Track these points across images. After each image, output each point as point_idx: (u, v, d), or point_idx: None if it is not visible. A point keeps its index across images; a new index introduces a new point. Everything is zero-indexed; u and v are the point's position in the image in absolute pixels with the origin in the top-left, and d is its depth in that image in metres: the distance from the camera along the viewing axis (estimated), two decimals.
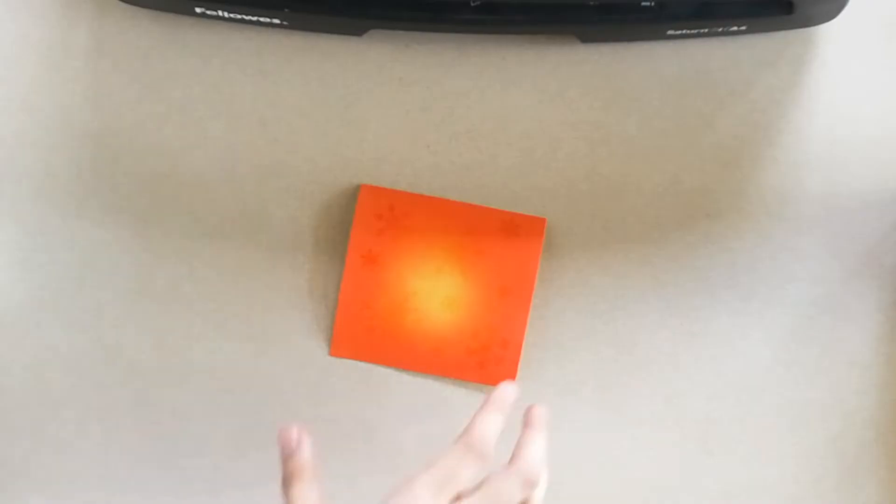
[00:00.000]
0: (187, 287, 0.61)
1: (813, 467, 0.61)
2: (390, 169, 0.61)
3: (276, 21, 0.59)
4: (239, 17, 0.58)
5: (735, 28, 0.59)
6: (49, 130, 0.61)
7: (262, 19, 0.58)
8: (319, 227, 0.61)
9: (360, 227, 0.61)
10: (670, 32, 0.59)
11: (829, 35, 0.61)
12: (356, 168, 0.61)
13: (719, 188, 0.61)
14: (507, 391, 0.51)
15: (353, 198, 0.61)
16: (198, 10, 0.58)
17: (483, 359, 0.61)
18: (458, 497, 0.47)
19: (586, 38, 0.60)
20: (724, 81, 0.61)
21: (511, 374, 0.61)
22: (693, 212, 0.61)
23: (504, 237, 0.61)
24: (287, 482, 0.49)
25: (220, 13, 0.58)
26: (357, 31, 0.60)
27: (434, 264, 0.61)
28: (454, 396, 0.62)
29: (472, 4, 0.56)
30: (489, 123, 0.61)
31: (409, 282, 0.61)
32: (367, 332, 0.61)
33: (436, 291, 0.61)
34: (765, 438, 0.61)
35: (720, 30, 0.59)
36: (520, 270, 0.61)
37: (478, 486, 0.47)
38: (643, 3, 0.57)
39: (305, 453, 0.50)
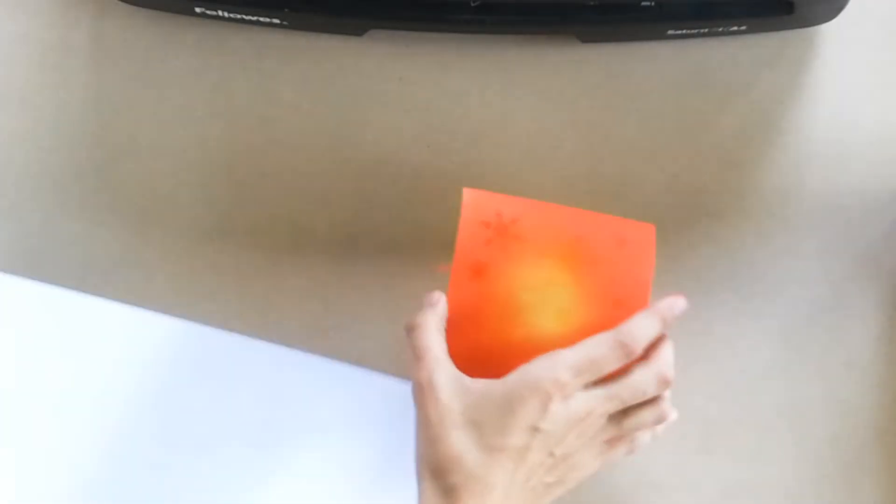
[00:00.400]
0: (188, 287, 0.61)
1: (813, 467, 0.61)
2: (390, 169, 0.61)
3: (276, 21, 0.59)
4: (239, 17, 0.58)
5: (735, 28, 0.59)
6: (49, 130, 0.61)
7: (262, 19, 0.58)
8: (318, 227, 0.61)
9: (466, 237, 0.55)
10: (670, 32, 0.59)
11: (829, 35, 0.61)
12: (356, 168, 0.61)
13: (719, 188, 0.61)
14: (675, 303, 0.52)
15: (354, 198, 0.61)
16: (198, 10, 0.58)
17: None
18: (594, 383, 0.49)
19: (586, 38, 0.60)
20: (724, 81, 0.61)
21: None
22: (693, 212, 0.61)
23: (614, 245, 0.56)
24: (411, 327, 0.51)
25: (220, 13, 0.58)
26: (357, 31, 0.60)
27: (545, 275, 0.56)
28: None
29: (472, 4, 0.56)
30: (489, 123, 0.61)
31: (520, 294, 0.56)
32: (473, 347, 0.56)
33: (548, 304, 0.56)
34: (765, 438, 0.61)
35: (720, 30, 0.59)
36: (634, 281, 0.56)
37: (615, 377, 0.50)
38: (643, 3, 0.57)
39: (440, 308, 0.52)
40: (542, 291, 0.56)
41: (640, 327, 0.50)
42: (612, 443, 0.52)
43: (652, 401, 0.51)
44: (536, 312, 0.56)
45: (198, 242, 0.61)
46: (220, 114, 0.61)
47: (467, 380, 0.50)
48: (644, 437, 0.53)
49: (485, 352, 0.56)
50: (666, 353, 0.51)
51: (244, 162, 0.61)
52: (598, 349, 0.49)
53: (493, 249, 0.56)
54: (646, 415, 0.51)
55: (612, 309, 0.55)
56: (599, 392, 0.49)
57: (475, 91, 0.61)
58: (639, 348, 0.49)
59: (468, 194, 0.56)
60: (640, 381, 0.50)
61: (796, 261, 0.61)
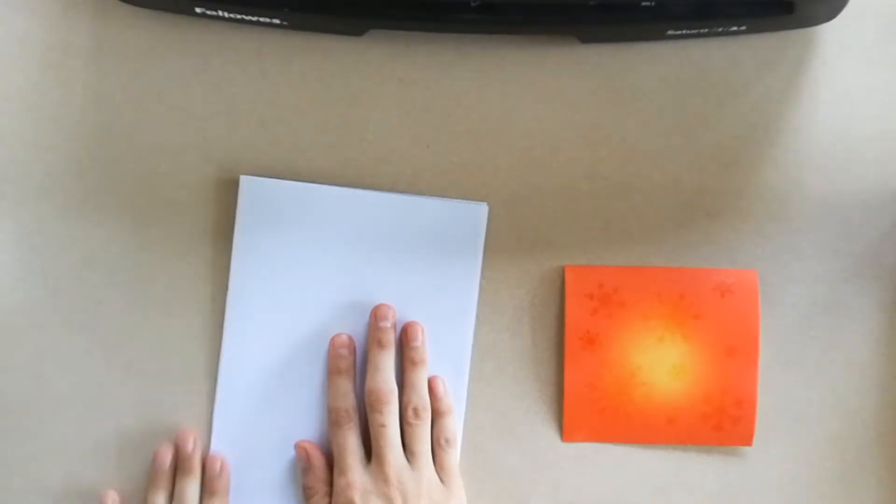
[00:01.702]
0: (188, 287, 0.61)
1: (813, 467, 0.61)
2: (390, 169, 0.61)
3: (276, 21, 0.59)
4: (239, 17, 0.58)
5: (735, 28, 0.59)
6: (49, 130, 0.61)
7: (262, 19, 0.58)
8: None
9: (573, 309, 0.60)
10: (670, 32, 0.59)
11: (829, 35, 0.61)
12: (356, 168, 0.61)
13: (719, 188, 0.61)
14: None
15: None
16: (198, 10, 0.58)
17: (718, 421, 0.60)
18: None
19: (586, 38, 0.60)
20: (724, 81, 0.61)
21: (749, 433, 0.60)
22: (693, 212, 0.61)
23: (719, 295, 0.59)
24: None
25: (220, 13, 0.58)
26: (357, 31, 0.60)
27: (654, 335, 0.60)
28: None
29: (472, 4, 0.56)
30: (489, 123, 0.61)
31: (633, 356, 0.60)
32: (597, 413, 0.60)
33: (661, 362, 0.60)
34: (765, 438, 0.61)
35: (720, 30, 0.59)
36: (742, 327, 0.59)
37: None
38: (643, 3, 0.57)
39: (319, 464, 0.60)
40: (654, 351, 0.59)
41: None
42: None
43: None
44: (651, 372, 0.59)
45: (198, 242, 0.61)
46: (220, 114, 0.61)
47: None
48: None
49: (608, 416, 0.60)
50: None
51: (244, 162, 0.61)
52: None
53: (599, 318, 0.59)
54: None
55: (725, 358, 0.59)
56: None
57: (475, 91, 0.61)
58: None
59: (570, 271, 0.60)
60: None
61: (796, 261, 0.61)
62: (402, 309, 0.60)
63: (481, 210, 0.61)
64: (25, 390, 0.61)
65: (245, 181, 0.60)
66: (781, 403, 0.61)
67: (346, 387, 0.59)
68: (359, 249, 0.60)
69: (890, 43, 0.61)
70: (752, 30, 0.59)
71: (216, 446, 0.61)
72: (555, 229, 0.61)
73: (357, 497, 0.56)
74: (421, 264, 0.60)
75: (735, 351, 0.59)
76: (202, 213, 0.61)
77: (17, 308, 0.61)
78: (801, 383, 0.61)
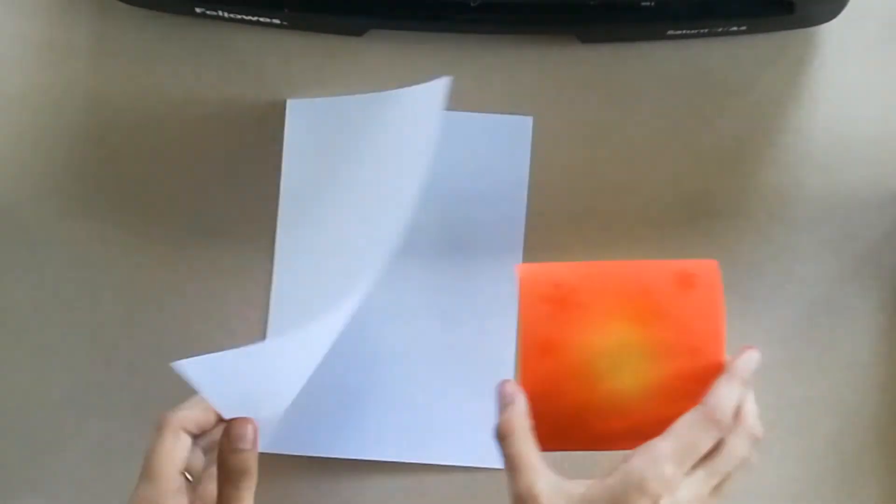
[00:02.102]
0: (188, 287, 0.61)
1: (813, 467, 0.61)
2: None
3: (276, 21, 0.59)
4: (239, 17, 0.58)
5: (735, 28, 0.59)
6: (49, 130, 0.61)
7: (262, 19, 0.58)
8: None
9: (528, 315, 0.54)
10: (670, 32, 0.59)
11: (829, 35, 0.61)
12: None
13: (719, 188, 0.61)
14: (751, 358, 0.51)
15: None
16: (198, 10, 0.58)
17: None
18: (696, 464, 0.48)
19: (586, 38, 0.60)
20: (724, 81, 0.61)
21: None
22: (693, 212, 0.61)
23: (679, 290, 0.54)
24: (503, 435, 0.51)
25: (220, 13, 0.58)
26: (357, 31, 0.60)
27: (615, 337, 0.54)
28: None
29: (472, 4, 0.56)
30: None
31: (594, 362, 0.54)
32: (558, 420, 0.55)
33: (623, 364, 0.55)
34: (765, 438, 0.61)
35: (720, 30, 0.59)
36: (705, 323, 0.54)
37: (713, 451, 0.49)
38: (643, 3, 0.57)
39: (521, 405, 0.52)
40: (616, 354, 0.54)
41: (726, 397, 0.49)
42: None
43: None
44: (613, 375, 0.54)
45: (199, 242, 0.61)
46: (219, 114, 0.61)
47: (567, 484, 0.49)
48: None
49: (568, 421, 0.55)
50: (751, 410, 0.51)
51: (244, 162, 0.61)
52: (692, 432, 0.49)
53: (557, 323, 0.54)
54: (740, 472, 0.50)
55: (689, 357, 0.54)
56: (701, 474, 0.48)
57: (475, 91, 0.61)
58: (729, 419, 0.49)
59: (522, 270, 0.55)
60: (737, 449, 0.49)
61: (796, 261, 0.61)
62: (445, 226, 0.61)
63: (526, 123, 0.61)
64: (25, 390, 0.61)
65: (292, 104, 0.60)
66: (781, 403, 0.61)
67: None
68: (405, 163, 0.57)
69: (890, 43, 0.61)
70: (752, 30, 0.59)
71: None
72: (554, 228, 0.61)
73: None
74: (468, 181, 0.60)
75: (698, 350, 0.54)
76: (203, 213, 0.61)
77: (17, 308, 0.61)
78: (801, 383, 0.61)
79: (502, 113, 0.61)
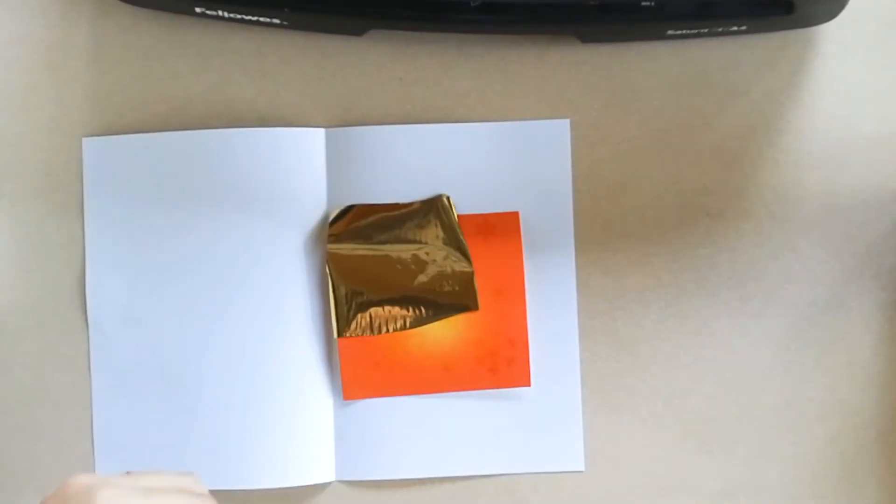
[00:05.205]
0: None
1: (813, 467, 0.61)
2: None
3: (276, 21, 0.59)
4: (239, 17, 0.58)
5: (735, 28, 0.59)
6: (49, 130, 0.61)
7: (262, 19, 0.58)
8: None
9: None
10: (670, 32, 0.59)
11: (829, 35, 0.61)
12: None
13: (719, 188, 0.61)
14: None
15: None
16: (198, 10, 0.58)
17: (494, 363, 0.60)
18: None
19: (586, 38, 0.60)
20: (724, 81, 0.61)
21: (525, 373, 0.60)
22: (693, 212, 0.61)
23: (483, 239, 0.60)
24: None
25: (220, 13, 0.58)
26: (357, 31, 0.60)
27: None
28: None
29: (472, 4, 0.56)
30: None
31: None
32: (374, 369, 0.60)
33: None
34: (765, 438, 0.61)
35: (720, 30, 0.59)
36: (507, 268, 0.60)
37: None
38: (643, 3, 0.57)
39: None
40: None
41: None
42: None
43: None
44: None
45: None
46: (220, 114, 0.61)
47: None
48: None
49: (385, 369, 0.60)
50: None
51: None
52: None
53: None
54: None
55: (494, 298, 0.60)
56: None
57: (475, 91, 0.61)
58: None
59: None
60: None
61: (796, 261, 0.61)
62: None
63: (564, 126, 0.61)
64: (25, 390, 0.61)
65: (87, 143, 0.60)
66: (781, 403, 0.61)
67: None
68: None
69: (890, 43, 0.61)
70: (752, 30, 0.59)
71: None
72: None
73: None
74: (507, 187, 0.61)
75: (502, 292, 0.60)
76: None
77: (17, 308, 0.61)
78: (801, 383, 0.61)
79: (502, 113, 0.61)
